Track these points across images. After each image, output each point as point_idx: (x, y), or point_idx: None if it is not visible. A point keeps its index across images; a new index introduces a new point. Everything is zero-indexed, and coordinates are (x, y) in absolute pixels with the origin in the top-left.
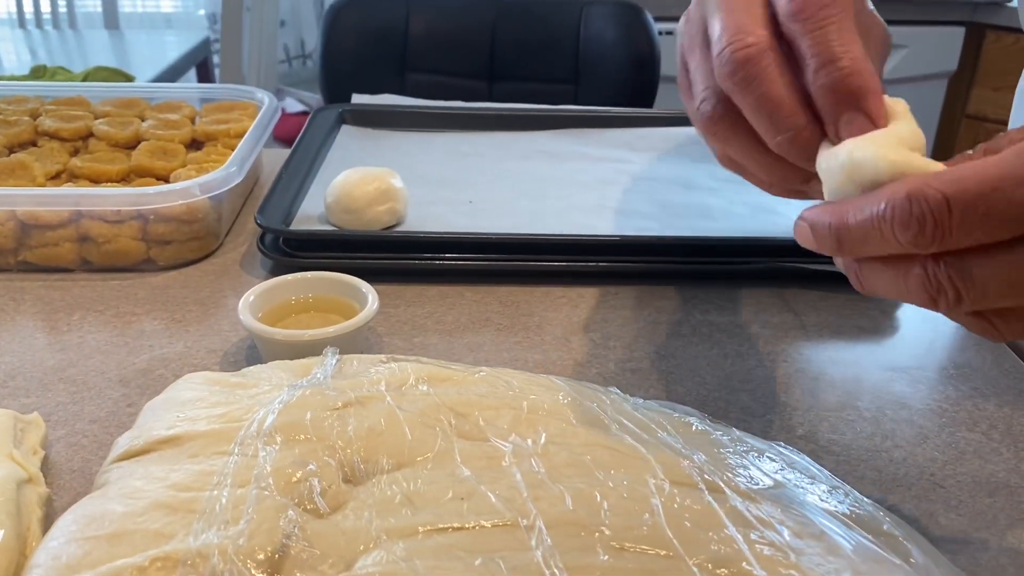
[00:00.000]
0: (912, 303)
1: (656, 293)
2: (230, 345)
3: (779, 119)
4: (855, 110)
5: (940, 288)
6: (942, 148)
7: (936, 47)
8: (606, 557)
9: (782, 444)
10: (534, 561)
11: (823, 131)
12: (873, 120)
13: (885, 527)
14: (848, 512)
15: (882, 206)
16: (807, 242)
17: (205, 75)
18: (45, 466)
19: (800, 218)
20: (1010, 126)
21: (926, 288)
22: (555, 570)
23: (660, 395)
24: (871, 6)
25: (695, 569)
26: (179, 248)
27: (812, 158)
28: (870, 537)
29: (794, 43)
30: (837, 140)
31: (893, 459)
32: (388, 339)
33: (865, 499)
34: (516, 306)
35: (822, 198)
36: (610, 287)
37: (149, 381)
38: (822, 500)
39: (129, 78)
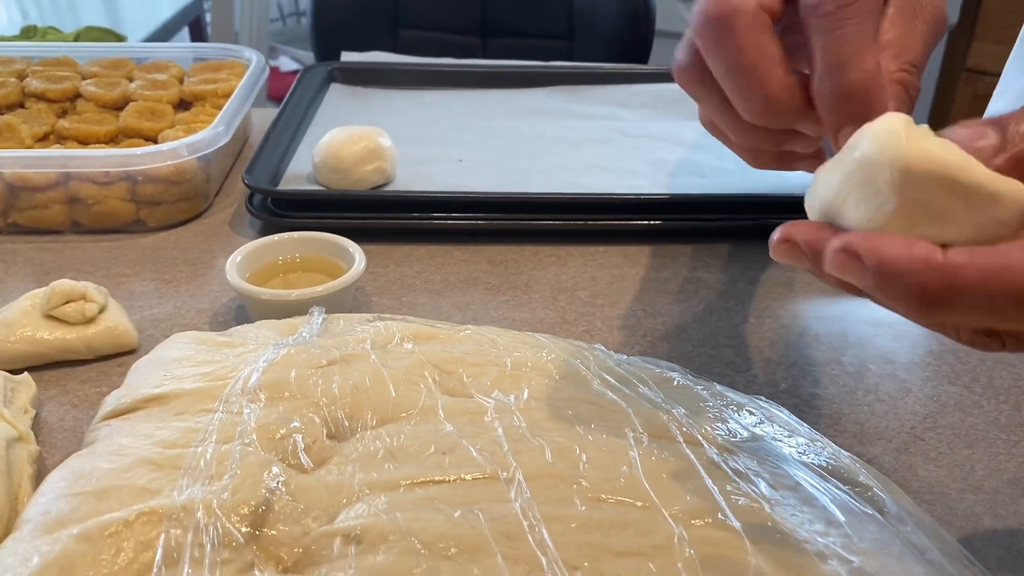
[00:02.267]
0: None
1: (645, 251)
2: (219, 305)
3: (747, 87)
4: (858, 126)
5: (989, 344)
6: (941, 102)
7: None
8: (583, 508)
9: (762, 398)
10: (512, 512)
11: (804, 100)
12: None
13: (861, 478)
14: (824, 464)
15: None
16: (842, 273)
17: (198, 33)
18: (36, 425)
19: (843, 247)
20: (1002, 79)
21: (973, 341)
22: (532, 520)
23: (646, 351)
24: None
25: (670, 519)
26: (168, 209)
27: (783, 124)
28: (845, 488)
29: (808, 37)
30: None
31: (875, 412)
32: (377, 299)
33: (843, 452)
34: (505, 265)
35: (804, 167)
36: (599, 245)
37: (139, 341)
38: (799, 453)
39: (120, 38)
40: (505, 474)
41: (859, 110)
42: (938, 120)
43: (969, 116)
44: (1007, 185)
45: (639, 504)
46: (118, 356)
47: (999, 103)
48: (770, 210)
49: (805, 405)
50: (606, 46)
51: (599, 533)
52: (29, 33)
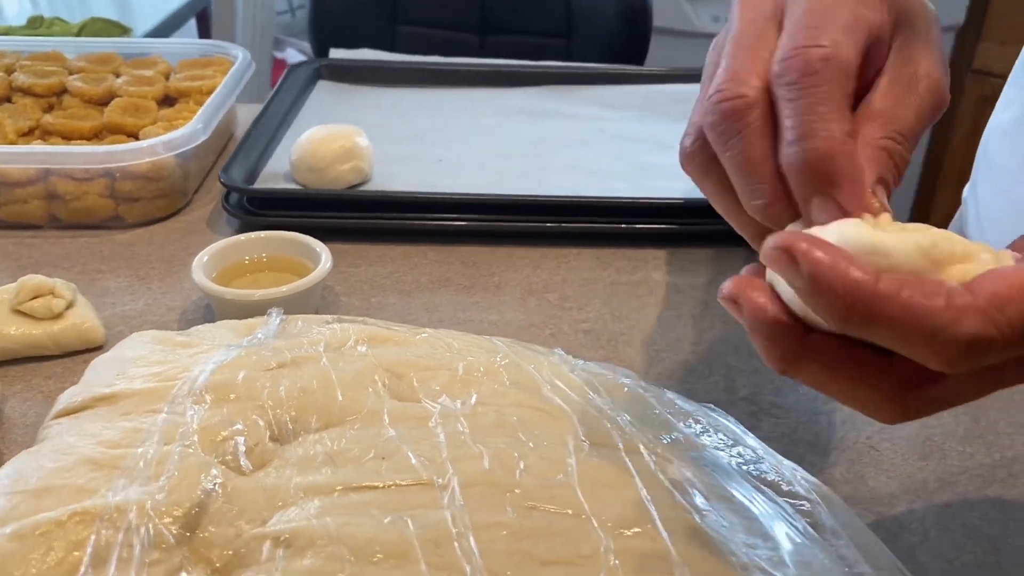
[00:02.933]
0: (850, 405)
1: (619, 254)
2: (189, 303)
3: (752, 184)
4: (825, 196)
5: (908, 414)
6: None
7: None
8: (515, 515)
9: (712, 407)
10: (443, 519)
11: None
12: (845, 210)
13: (800, 490)
14: (763, 475)
15: (934, 333)
16: (777, 269)
17: (205, 25)
18: None
19: (782, 245)
20: (1008, 82)
21: (892, 410)
22: (462, 528)
23: (610, 355)
24: (936, 54)
25: (599, 529)
26: (146, 206)
27: (782, 226)
28: (781, 500)
29: (777, 108)
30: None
31: (832, 422)
32: (346, 299)
33: (786, 463)
34: (477, 266)
35: None
36: (573, 248)
37: (107, 337)
38: (740, 463)
39: (125, 30)
40: (441, 480)
41: (825, 179)
42: (944, 121)
43: (975, 118)
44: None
45: (570, 512)
46: (85, 352)
47: (1004, 115)
48: None
49: (763, 413)
50: (604, 44)
51: (528, 541)
52: (35, 23)
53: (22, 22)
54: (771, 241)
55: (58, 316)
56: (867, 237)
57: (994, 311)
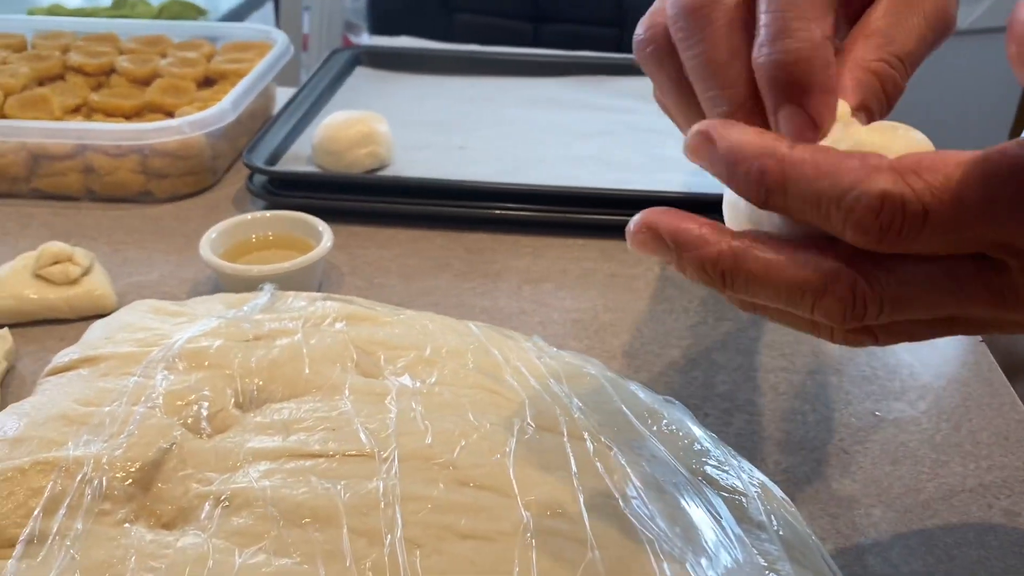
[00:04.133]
0: (797, 313)
1: (622, 247)
2: (202, 277)
3: (713, 90)
4: (795, 104)
5: (861, 309)
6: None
7: None
8: (444, 490)
9: (672, 400)
10: (375, 489)
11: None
12: (816, 122)
13: (739, 484)
14: (703, 468)
15: (845, 190)
16: (697, 158)
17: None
18: (10, 376)
19: (700, 129)
20: None
21: (843, 303)
22: (391, 498)
23: (593, 346)
24: None
25: (522, 508)
26: (175, 182)
27: None
28: (715, 492)
29: (756, 7)
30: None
31: (807, 422)
32: (350, 278)
33: (735, 458)
34: (481, 253)
35: None
36: (577, 239)
37: (118, 305)
38: (683, 454)
39: (201, 11)
40: (383, 454)
41: (797, 85)
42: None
43: None
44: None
45: (498, 491)
46: (97, 317)
47: None
48: None
49: (737, 410)
50: None
51: (452, 515)
52: (120, 4)
53: (106, 3)
54: (692, 129)
55: (74, 282)
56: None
57: (910, 173)
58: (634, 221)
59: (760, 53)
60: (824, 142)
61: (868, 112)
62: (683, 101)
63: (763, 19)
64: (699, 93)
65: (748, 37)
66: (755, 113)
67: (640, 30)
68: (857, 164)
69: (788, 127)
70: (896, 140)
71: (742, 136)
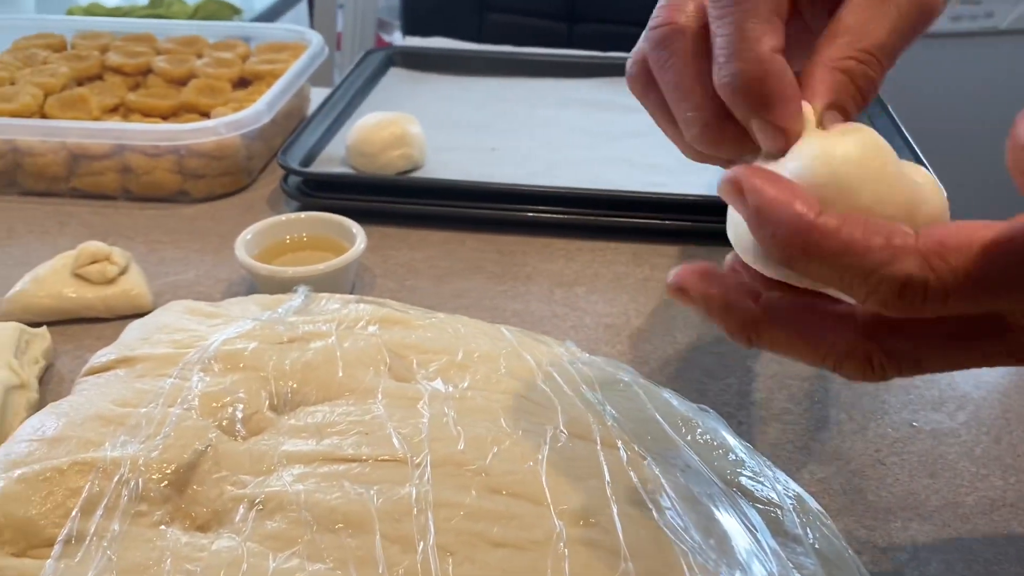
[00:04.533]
0: (810, 362)
1: (656, 251)
2: (236, 277)
3: (684, 112)
4: (762, 119)
5: (880, 372)
6: None
7: None
8: (476, 497)
9: (707, 409)
10: (407, 495)
11: (739, 129)
12: (783, 131)
13: (774, 496)
14: (738, 479)
15: (870, 271)
16: (729, 202)
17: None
18: (48, 375)
19: (732, 178)
20: None
21: (863, 371)
22: (423, 505)
23: (626, 351)
24: None
25: (555, 517)
26: (211, 183)
27: (724, 152)
28: (750, 504)
29: (711, 30)
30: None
31: (842, 431)
32: (382, 280)
33: (771, 469)
34: (512, 255)
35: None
36: (610, 242)
37: (154, 304)
38: (718, 465)
39: (236, 10)
40: (416, 459)
41: (758, 101)
42: None
43: None
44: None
45: (531, 499)
46: (133, 317)
47: None
48: None
49: (773, 419)
50: None
51: (484, 523)
52: (156, 3)
53: (145, 1)
54: (724, 174)
55: (111, 281)
56: (831, 167)
57: (934, 256)
58: (670, 277)
59: (718, 76)
60: (791, 151)
61: (843, 111)
62: (670, 126)
63: (716, 43)
64: (675, 115)
65: (710, 61)
66: (725, 128)
67: (628, 63)
68: (882, 243)
69: (760, 137)
70: (852, 145)
71: (770, 194)
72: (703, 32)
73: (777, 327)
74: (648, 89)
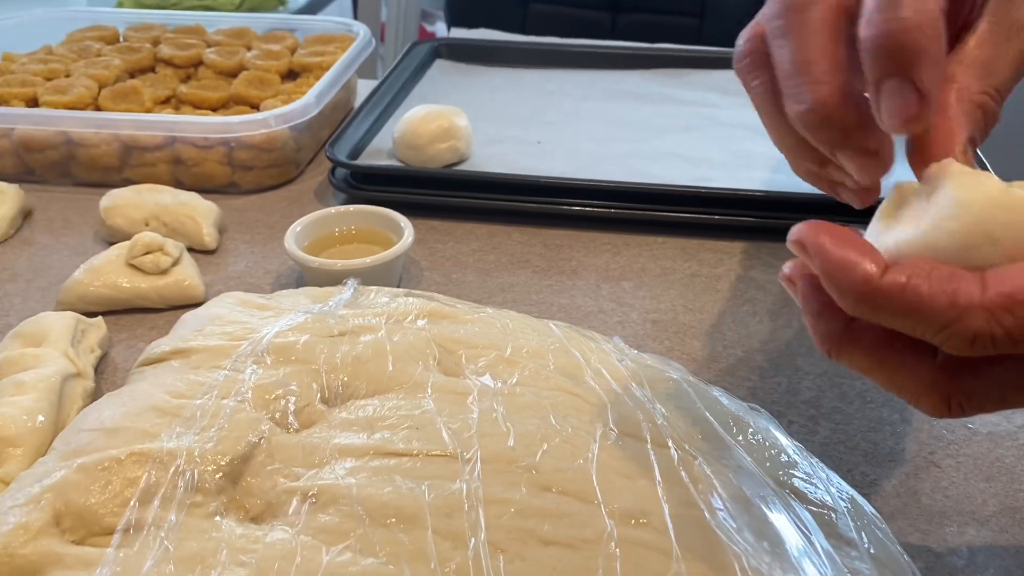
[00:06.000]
0: (887, 390)
1: (704, 246)
2: (285, 269)
3: (798, 85)
4: (902, 76)
5: (958, 411)
6: None
7: None
8: (526, 494)
9: (757, 408)
10: (458, 491)
11: (857, 119)
12: (923, 96)
13: (827, 499)
14: (791, 480)
15: (936, 329)
16: (798, 255)
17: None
18: (103, 364)
19: (797, 239)
20: None
21: (939, 409)
22: (474, 501)
23: (673, 347)
24: None
25: (606, 516)
26: (259, 174)
27: (825, 137)
28: (803, 507)
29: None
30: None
31: (895, 432)
32: (428, 273)
33: (823, 470)
34: (558, 249)
35: (846, 197)
36: (657, 236)
37: (206, 295)
38: (771, 467)
39: (281, 1)
40: (466, 455)
41: (908, 54)
42: None
43: None
44: None
45: (581, 497)
46: (186, 307)
47: None
48: (838, 212)
49: (823, 418)
50: (737, 26)
51: (534, 520)
52: None
53: None
54: (792, 231)
55: (164, 272)
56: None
57: (1000, 310)
58: (786, 268)
59: (868, 23)
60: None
61: (973, 143)
62: (774, 112)
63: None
64: (783, 87)
65: (842, 40)
66: (834, 119)
67: (740, 41)
68: (947, 303)
69: (890, 102)
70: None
71: (835, 256)
72: (839, 8)
73: (858, 351)
74: (758, 69)
